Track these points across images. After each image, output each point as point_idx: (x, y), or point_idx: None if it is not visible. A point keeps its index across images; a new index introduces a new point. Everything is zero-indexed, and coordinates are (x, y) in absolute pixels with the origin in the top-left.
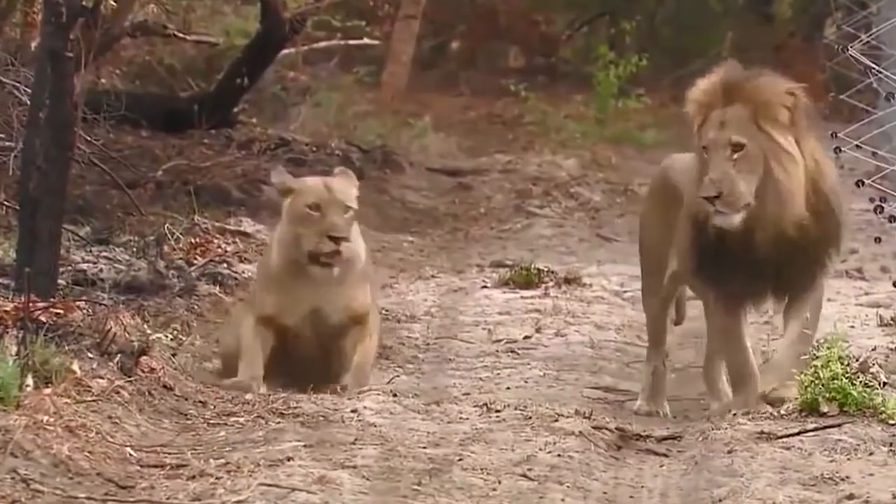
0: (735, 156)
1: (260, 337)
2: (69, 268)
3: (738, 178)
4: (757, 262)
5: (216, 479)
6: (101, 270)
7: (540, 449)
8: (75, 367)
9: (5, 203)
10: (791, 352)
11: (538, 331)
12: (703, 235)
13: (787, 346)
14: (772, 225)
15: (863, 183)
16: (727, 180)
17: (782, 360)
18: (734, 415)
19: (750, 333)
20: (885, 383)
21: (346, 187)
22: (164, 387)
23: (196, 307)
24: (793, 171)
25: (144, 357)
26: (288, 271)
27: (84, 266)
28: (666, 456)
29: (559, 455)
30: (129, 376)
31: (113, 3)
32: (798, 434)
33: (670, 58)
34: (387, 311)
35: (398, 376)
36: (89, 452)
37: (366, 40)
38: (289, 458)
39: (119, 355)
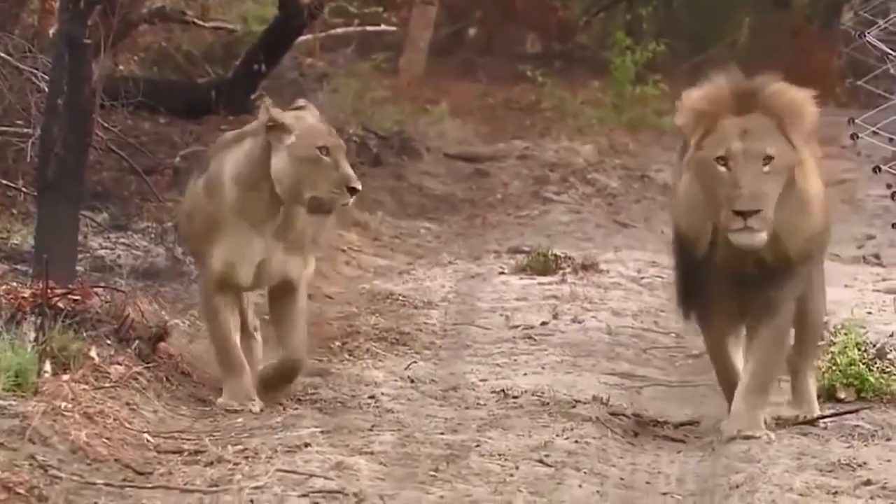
0: (766, 168)
1: (230, 323)
2: (87, 254)
3: (771, 194)
4: (748, 281)
5: (234, 465)
6: (118, 257)
7: (557, 435)
8: (93, 353)
9: (23, 189)
10: (750, 395)
11: (555, 317)
12: (694, 255)
13: (745, 391)
14: (785, 242)
15: (880, 169)
16: (764, 195)
17: (741, 405)
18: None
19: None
20: None
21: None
22: (182, 373)
23: None
24: (814, 184)
25: (162, 343)
26: (243, 216)
27: (102, 252)
28: (683, 442)
29: (576, 441)
30: (147, 362)
31: None
32: (815, 420)
33: (688, 44)
34: (404, 297)
35: (415, 362)
36: (107, 439)
37: (383, 27)
38: (306, 445)
39: (137, 341)
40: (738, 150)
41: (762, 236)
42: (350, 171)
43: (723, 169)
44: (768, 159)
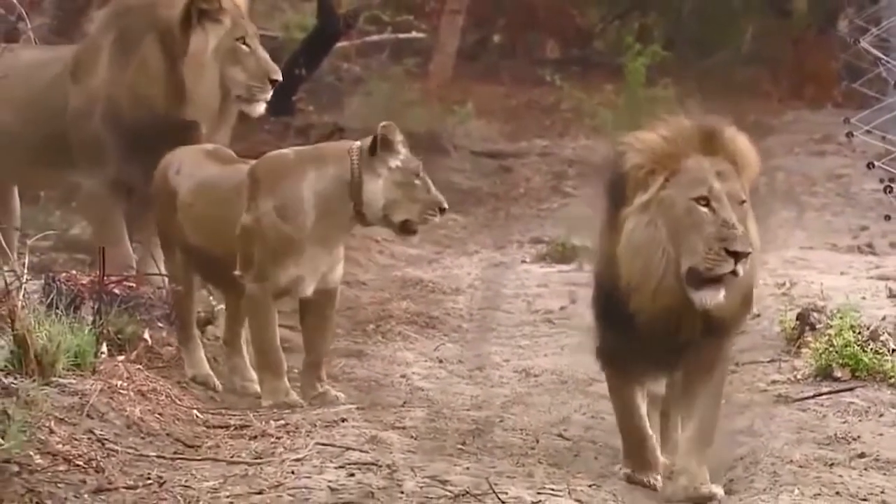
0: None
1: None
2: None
3: None
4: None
5: (276, 438)
6: None
7: (575, 411)
8: (146, 335)
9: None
10: (698, 449)
11: (573, 302)
12: (624, 307)
13: (690, 448)
14: (732, 299)
15: (873, 165)
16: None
17: (691, 461)
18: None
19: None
20: (893, 350)
21: None
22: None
23: None
24: (756, 238)
25: (210, 326)
26: None
27: None
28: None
29: (592, 417)
30: None
31: None
32: (813, 397)
33: (695, 50)
34: (433, 283)
35: (444, 344)
36: (159, 414)
37: (414, 34)
38: (343, 420)
39: None
40: (720, 191)
41: (722, 296)
42: None
43: (704, 209)
44: (742, 204)
